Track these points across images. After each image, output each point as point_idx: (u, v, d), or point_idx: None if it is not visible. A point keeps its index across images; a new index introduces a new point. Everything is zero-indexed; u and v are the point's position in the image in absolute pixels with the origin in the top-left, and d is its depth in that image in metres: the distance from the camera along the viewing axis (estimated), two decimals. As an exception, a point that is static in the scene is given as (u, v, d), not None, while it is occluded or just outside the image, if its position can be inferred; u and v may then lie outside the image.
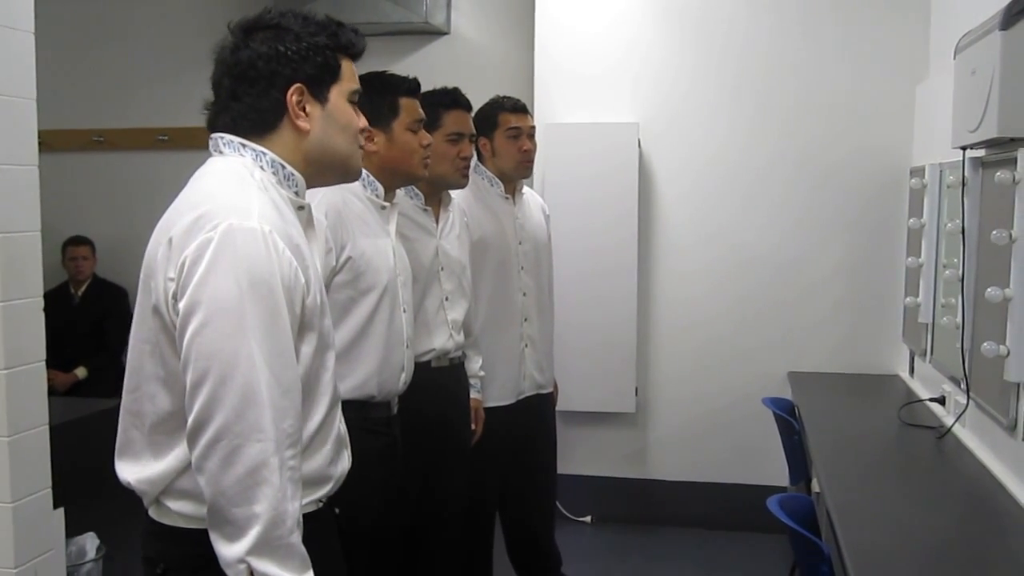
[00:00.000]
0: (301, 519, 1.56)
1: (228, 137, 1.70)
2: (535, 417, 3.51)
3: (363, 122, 1.81)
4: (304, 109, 1.70)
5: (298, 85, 1.69)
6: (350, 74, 1.77)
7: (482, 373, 3.25)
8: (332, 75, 1.73)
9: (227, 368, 1.50)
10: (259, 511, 1.49)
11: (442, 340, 2.95)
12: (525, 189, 3.55)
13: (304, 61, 1.69)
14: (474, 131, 3.08)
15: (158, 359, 1.61)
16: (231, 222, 1.53)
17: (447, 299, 2.98)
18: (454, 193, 3.10)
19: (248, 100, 1.69)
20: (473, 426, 3.21)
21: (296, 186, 1.74)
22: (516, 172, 3.41)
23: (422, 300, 2.91)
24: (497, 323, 3.32)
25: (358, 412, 2.38)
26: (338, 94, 1.75)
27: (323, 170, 1.78)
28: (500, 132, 3.37)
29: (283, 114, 1.70)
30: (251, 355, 1.50)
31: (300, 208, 1.75)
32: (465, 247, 3.12)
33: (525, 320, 3.43)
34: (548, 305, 3.60)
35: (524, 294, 3.43)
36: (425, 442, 2.89)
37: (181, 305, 1.52)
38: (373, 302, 2.53)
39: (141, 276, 1.64)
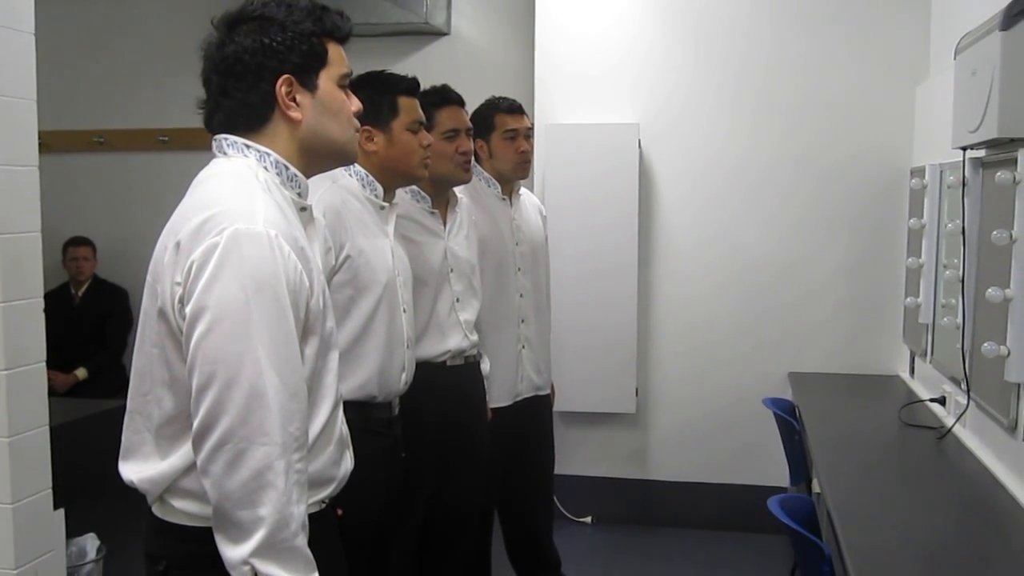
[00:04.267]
0: (307, 522, 1.56)
1: (232, 138, 1.70)
2: (532, 418, 3.51)
3: (355, 105, 1.80)
4: (294, 99, 1.70)
5: (286, 76, 1.68)
6: (338, 58, 1.76)
7: (489, 375, 3.25)
8: (319, 62, 1.72)
9: (233, 372, 1.50)
10: (264, 514, 1.49)
11: (456, 340, 2.96)
12: (522, 190, 3.55)
13: (290, 51, 1.68)
14: (470, 125, 3.06)
15: (163, 363, 1.61)
16: (237, 226, 1.53)
17: (458, 300, 2.98)
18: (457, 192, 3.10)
19: (238, 95, 1.69)
20: None
21: (299, 187, 1.74)
22: (514, 173, 3.41)
23: (434, 303, 2.91)
24: (494, 324, 3.31)
25: (359, 413, 2.38)
26: (327, 80, 1.73)
27: (319, 158, 1.78)
28: (497, 134, 3.36)
29: (274, 106, 1.69)
30: (257, 359, 1.50)
31: (302, 209, 1.75)
32: (473, 246, 3.12)
33: (522, 321, 3.43)
34: (545, 307, 3.60)
35: (521, 295, 3.43)
36: (438, 443, 2.89)
37: (188, 310, 1.52)
38: (373, 303, 2.53)
39: (147, 279, 1.64)
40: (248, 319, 1.51)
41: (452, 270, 2.98)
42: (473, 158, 3.21)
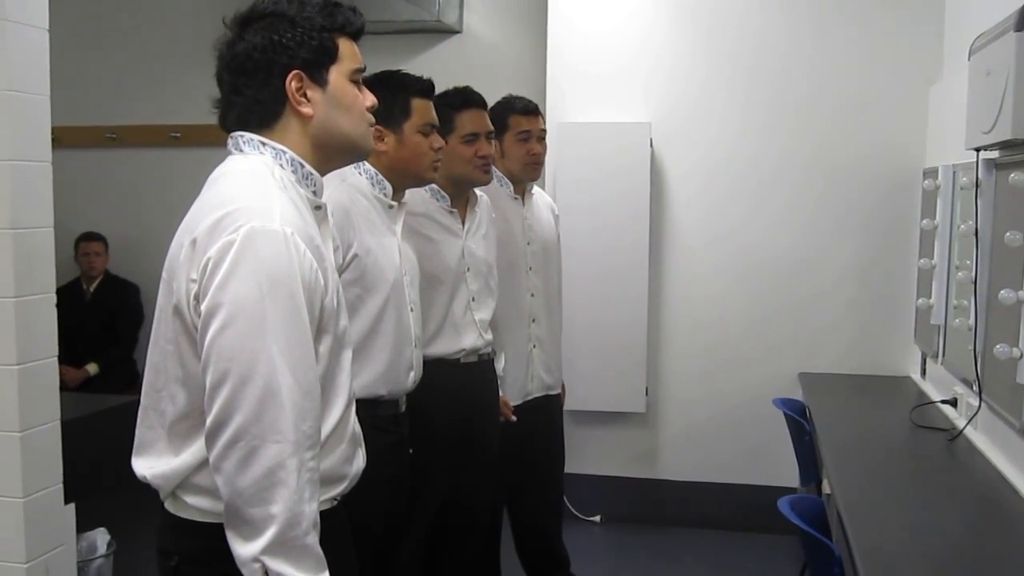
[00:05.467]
0: (318, 520, 1.57)
1: (248, 135, 1.70)
2: (543, 418, 3.50)
3: (369, 100, 1.79)
4: (305, 95, 1.70)
5: (296, 72, 1.68)
6: (350, 53, 1.76)
7: (502, 374, 3.25)
8: (330, 57, 1.72)
9: (247, 369, 1.50)
10: (275, 512, 1.49)
11: (472, 339, 2.97)
12: (535, 189, 3.55)
13: (300, 46, 1.68)
14: (491, 128, 3.04)
15: (178, 359, 1.61)
16: (253, 224, 1.53)
17: (474, 299, 2.98)
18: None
19: (249, 93, 1.69)
20: (503, 417, 3.21)
21: (314, 185, 1.74)
22: (524, 174, 3.41)
23: (450, 301, 2.91)
24: (506, 324, 3.32)
25: (366, 410, 2.38)
26: (338, 75, 1.73)
27: (333, 153, 1.78)
28: (510, 134, 3.36)
29: (285, 102, 1.69)
30: (271, 357, 1.51)
31: (317, 207, 1.75)
32: (492, 246, 3.11)
33: (533, 321, 3.43)
34: (557, 306, 3.60)
35: (532, 295, 3.43)
36: (449, 440, 2.90)
37: (203, 307, 1.53)
38: (380, 301, 2.53)
39: (163, 276, 1.64)
40: (263, 317, 1.51)
41: (469, 269, 2.98)
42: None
